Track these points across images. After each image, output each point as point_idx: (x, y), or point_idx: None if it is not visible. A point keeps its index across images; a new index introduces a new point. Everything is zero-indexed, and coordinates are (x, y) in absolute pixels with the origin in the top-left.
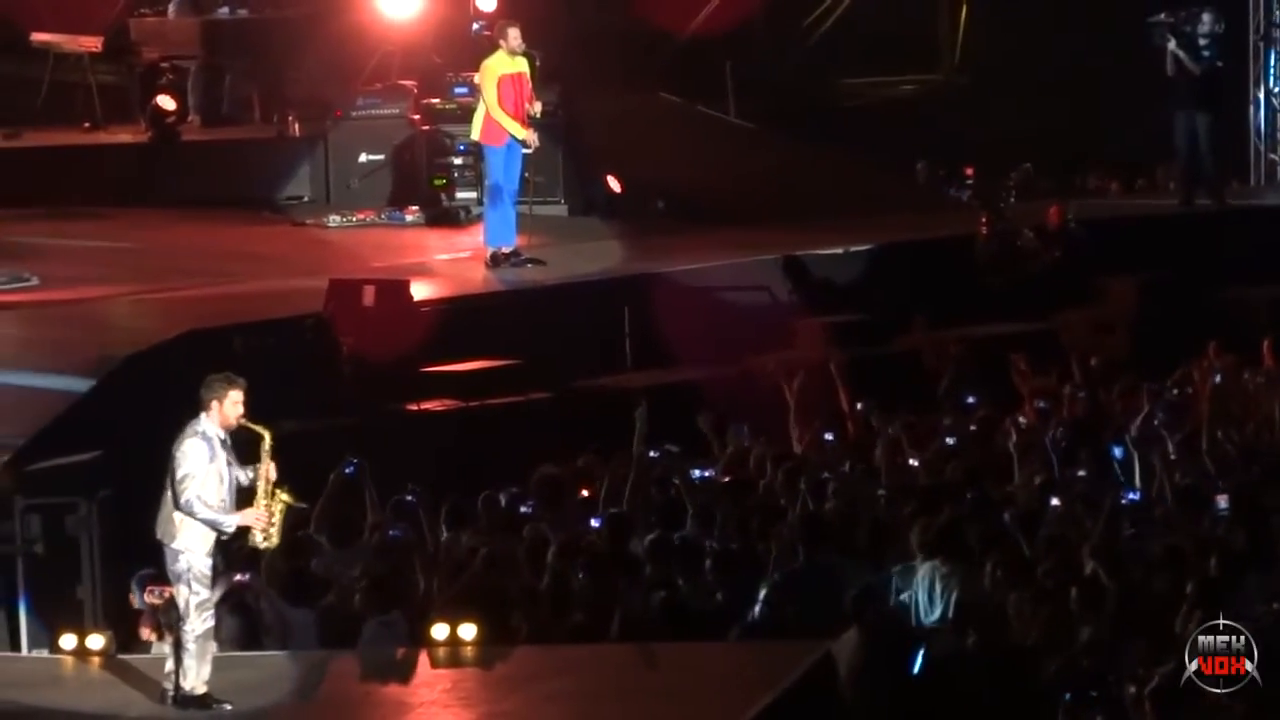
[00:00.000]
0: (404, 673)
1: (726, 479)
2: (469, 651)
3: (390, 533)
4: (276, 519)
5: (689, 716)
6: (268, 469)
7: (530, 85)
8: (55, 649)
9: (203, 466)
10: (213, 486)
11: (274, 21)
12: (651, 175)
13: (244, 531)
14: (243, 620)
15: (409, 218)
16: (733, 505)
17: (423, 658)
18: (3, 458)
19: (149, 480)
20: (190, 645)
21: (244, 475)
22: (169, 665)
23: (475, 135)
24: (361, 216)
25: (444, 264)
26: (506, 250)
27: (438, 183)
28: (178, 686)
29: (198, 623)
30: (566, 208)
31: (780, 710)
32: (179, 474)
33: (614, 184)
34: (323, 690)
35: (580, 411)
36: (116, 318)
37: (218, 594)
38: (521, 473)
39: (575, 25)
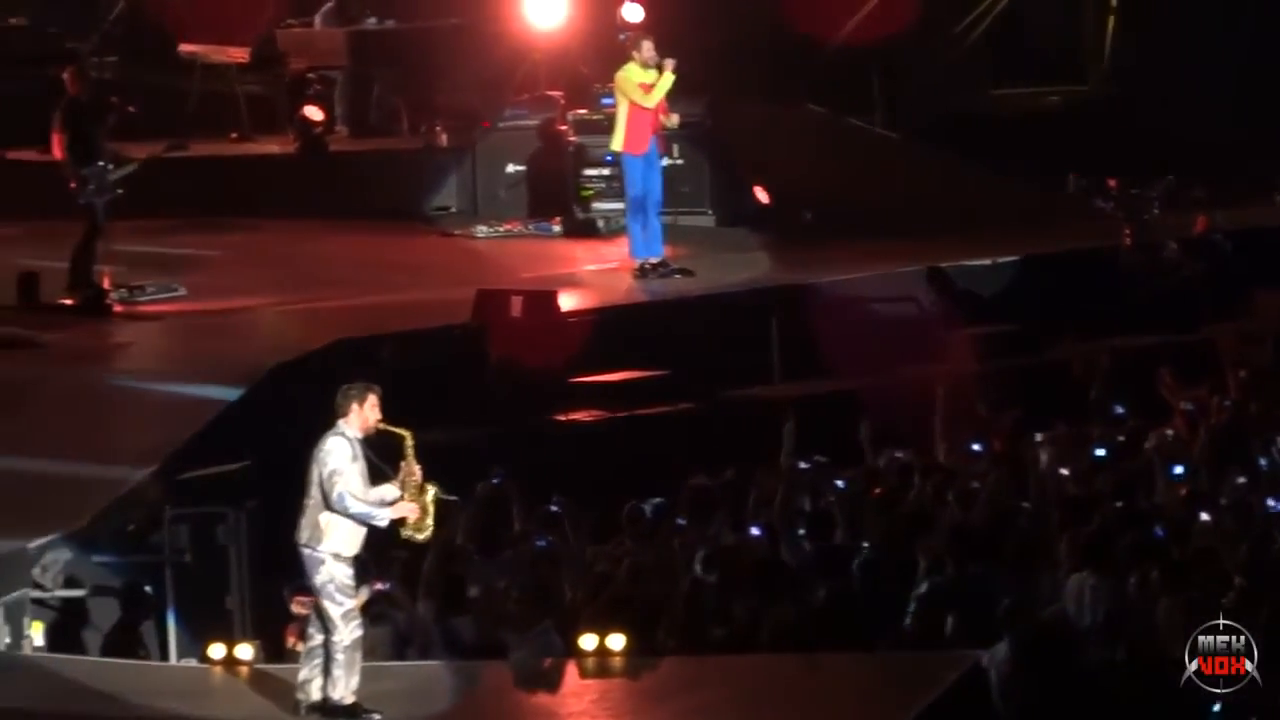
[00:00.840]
0: (552, 683)
1: (875, 490)
2: (617, 662)
3: (538, 543)
4: (430, 512)
5: None
6: (412, 467)
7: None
8: (204, 659)
9: (348, 464)
10: (359, 484)
11: (421, 31)
12: (799, 186)
13: (395, 529)
14: (385, 630)
15: (556, 228)
16: (882, 516)
17: (571, 668)
18: (151, 467)
19: (297, 490)
20: (339, 655)
21: (390, 489)
22: (302, 674)
23: (617, 146)
24: (509, 227)
25: (591, 274)
26: (654, 261)
27: (585, 193)
28: (325, 696)
29: (346, 633)
30: (714, 218)
31: None
32: (326, 471)
33: (762, 195)
34: (470, 701)
35: (727, 422)
36: (264, 328)
37: (359, 601)
38: (668, 483)
39: (723, 36)
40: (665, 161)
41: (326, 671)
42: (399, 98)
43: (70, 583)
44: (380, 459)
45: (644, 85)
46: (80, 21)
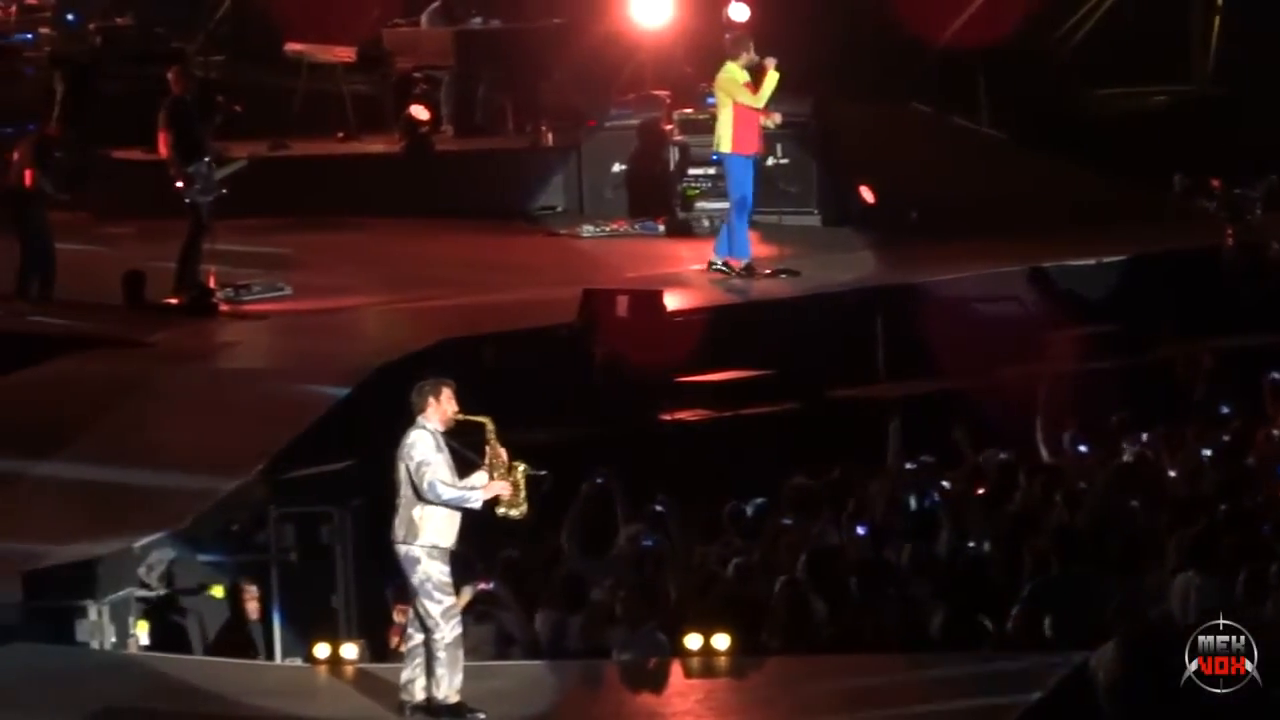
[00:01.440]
0: (657, 683)
1: (980, 490)
2: (722, 661)
3: (644, 543)
4: (522, 488)
5: None
6: (497, 450)
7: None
8: (309, 658)
9: (434, 454)
10: (448, 473)
11: (527, 31)
12: (905, 186)
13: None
14: (488, 629)
15: (662, 228)
16: (987, 516)
17: (676, 668)
18: (257, 467)
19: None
20: (441, 654)
21: (479, 476)
22: (405, 674)
23: (725, 147)
24: (615, 226)
25: (697, 274)
26: (744, 263)
27: (690, 193)
28: (430, 696)
29: (447, 630)
30: (820, 218)
31: None
32: (414, 464)
33: (867, 195)
34: (575, 700)
35: (832, 422)
36: (369, 327)
37: (463, 600)
38: (773, 483)
39: (830, 36)
40: (770, 161)
41: (430, 671)
42: (505, 97)
43: (176, 582)
44: (465, 449)
45: (749, 85)
46: (186, 20)
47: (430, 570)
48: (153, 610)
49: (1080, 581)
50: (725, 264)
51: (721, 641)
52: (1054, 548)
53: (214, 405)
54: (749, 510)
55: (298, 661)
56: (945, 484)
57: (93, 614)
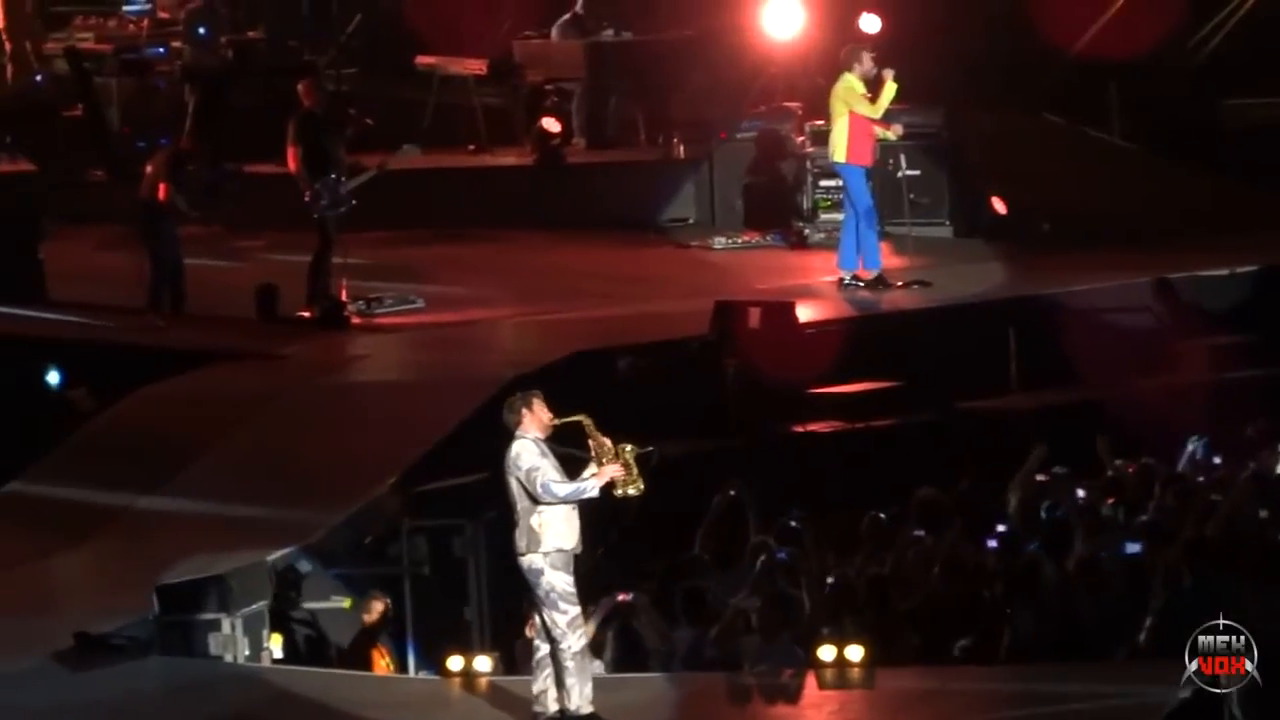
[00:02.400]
0: (791, 695)
1: (1110, 500)
2: (856, 673)
3: (779, 555)
4: (634, 468)
5: None
6: (600, 440)
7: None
8: (442, 671)
9: (539, 459)
10: (557, 473)
11: (658, 43)
12: (1036, 197)
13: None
14: (626, 642)
15: (793, 240)
16: (1121, 527)
17: (810, 680)
18: (390, 479)
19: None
20: (569, 664)
21: (589, 469)
22: (535, 686)
23: (840, 158)
24: (746, 238)
25: (829, 285)
26: (851, 274)
27: (823, 205)
28: (563, 708)
29: (574, 640)
30: (951, 229)
31: None
32: (523, 471)
33: (999, 206)
34: (708, 712)
35: (964, 433)
36: (502, 340)
37: (600, 614)
38: (904, 495)
39: (961, 46)
40: (900, 173)
41: (560, 682)
42: (636, 109)
43: (308, 595)
44: (567, 449)
45: (868, 96)
46: (318, 34)
47: (554, 580)
48: (286, 623)
49: (1213, 593)
50: (854, 277)
51: (855, 653)
52: (1186, 559)
53: (346, 418)
54: (886, 521)
55: (431, 674)
56: (1081, 493)
57: (226, 627)
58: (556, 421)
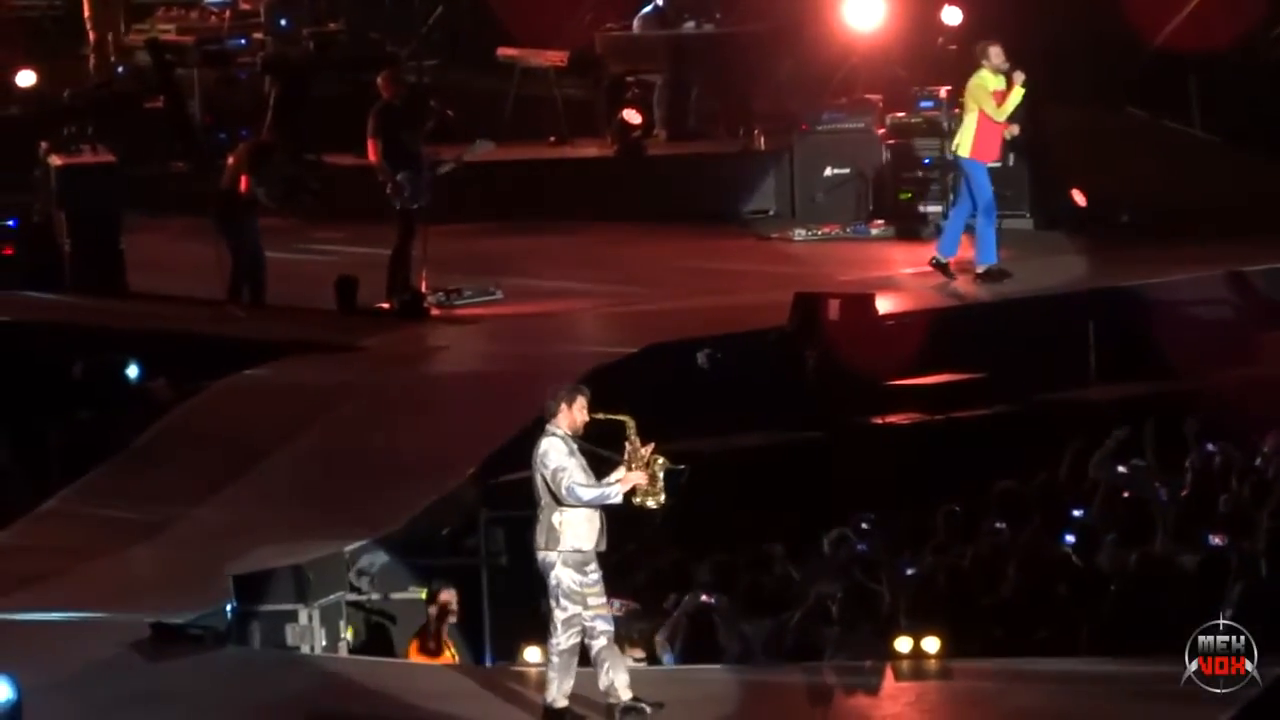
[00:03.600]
0: (868, 686)
1: (1185, 493)
2: (932, 665)
3: (858, 547)
4: (660, 479)
5: None
6: (637, 446)
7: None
8: (520, 661)
9: (566, 458)
10: (583, 475)
11: (739, 35)
12: (1117, 189)
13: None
14: (699, 640)
15: (874, 231)
16: (1200, 519)
17: (887, 671)
18: (469, 470)
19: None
20: (554, 658)
21: (617, 473)
22: (602, 682)
23: (965, 152)
24: (826, 230)
25: (909, 278)
26: (997, 266)
27: (904, 196)
28: (634, 695)
29: (563, 638)
30: (1032, 221)
31: None
32: (550, 470)
33: (1079, 198)
34: (783, 704)
35: (1045, 425)
36: (581, 331)
37: (681, 612)
38: (983, 486)
39: (1042, 38)
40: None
41: (601, 666)
42: (717, 101)
43: (386, 586)
44: (600, 449)
45: (997, 94)
46: (399, 25)
47: (562, 576)
48: (363, 614)
49: None
50: (945, 265)
51: (931, 645)
52: (1264, 549)
53: (425, 409)
54: (962, 514)
55: (507, 665)
56: (1160, 487)
57: (303, 618)
58: (600, 416)
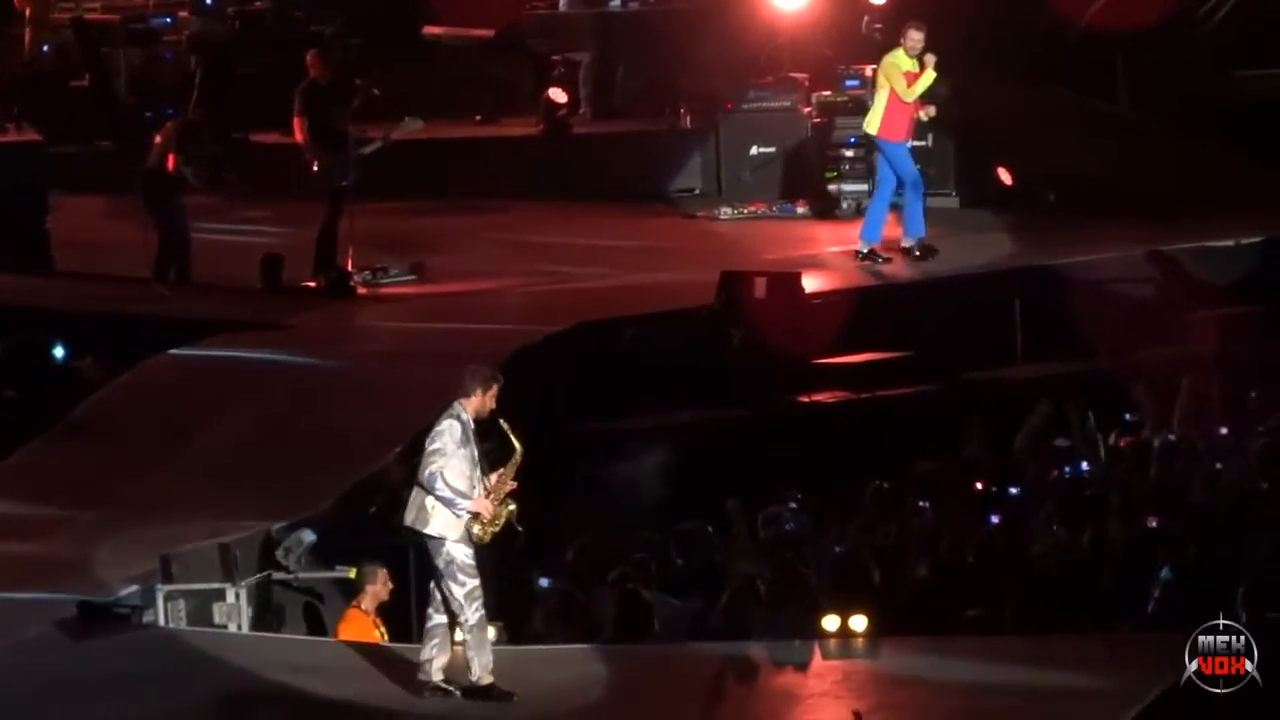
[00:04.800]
0: (796, 665)
1: (1117, 471)
2: (860, 643)
3: (786, 527)
4: (500, 521)
5: (1084, 708)
6: (508, 480)
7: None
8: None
9: (453, 446)
10: (458, 468)
11: (666, 13)
12: (1043, 168)
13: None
14: (631, 618)
15: (800, 210)
16: (1125, 497)
17: (815, 650)
18: (396, 449)
19: (541, 470)
20: (468, 636)
21: (488, 479)
22: (423, 654)
23: (873, 130)
24: (752, 209)
25: (835, 256)
26: (925, 241)
27: (830, 175)
28: (460, 677)
29: (470, 613)
30: (958, 200)
31: (1173, 703)
32: (429, 449)
33: (1005, 177)
34: (714, 683)
35: (971, 403)
36: (508, 309)
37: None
38: (908, 465)
39: (968, 18)
40: (908, 143)
41: (445, 651)
42: (643, 80)
43: (313, 565)
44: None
45: (908, 75)
46: (324, 3)
47: (454, 552)
48: (291, 593)
49: (1218, 563)
50: (873, 251)
51: (859, 623)
52: (1190, 528)
53: (352, 388)
54: (889, 492)
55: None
56: (1085, 465)
57: (230, 597)
58: (503, 423)
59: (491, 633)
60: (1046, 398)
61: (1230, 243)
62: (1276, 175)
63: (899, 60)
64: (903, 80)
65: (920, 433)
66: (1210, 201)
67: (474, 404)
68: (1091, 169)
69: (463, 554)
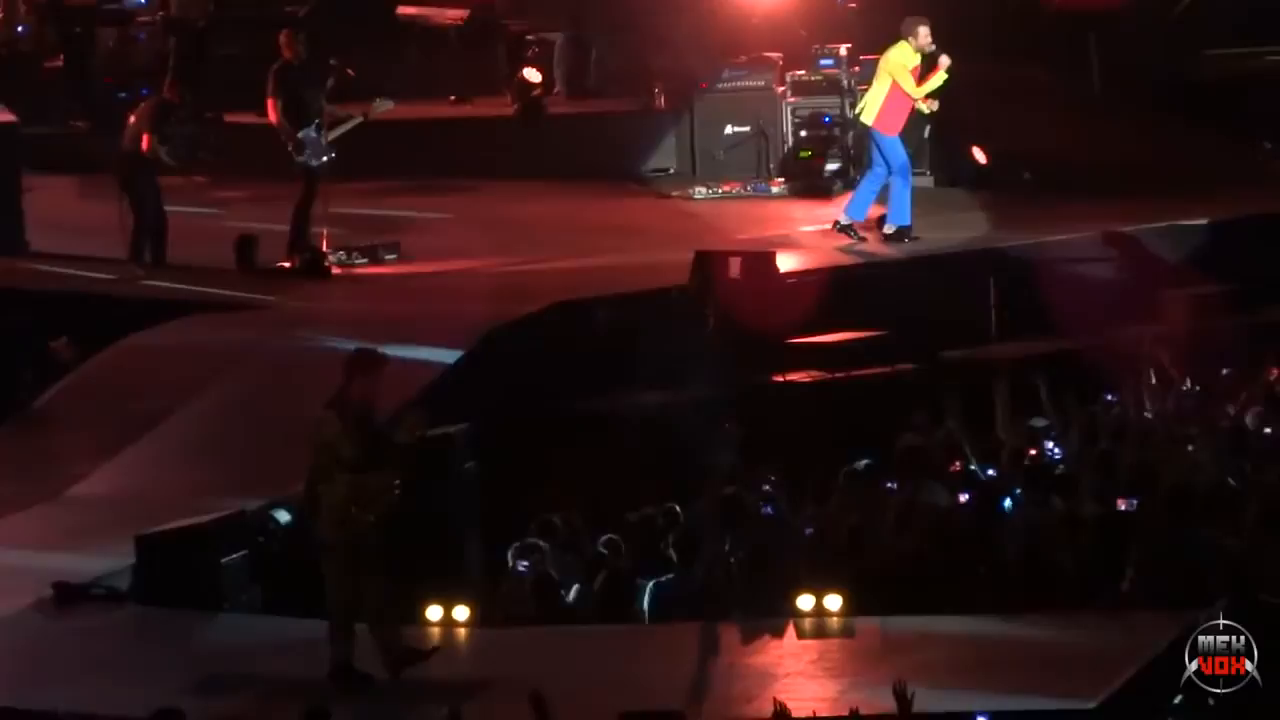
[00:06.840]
0: (770, 643)
1: (1091, 451)
2: (834, 622)
3: (762, 506)
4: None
5: (1055, 686)
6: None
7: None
8: (420, 620)
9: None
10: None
11: None
12: (1018, 147)
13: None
14: (612, 597)
15: (774, 189)
16: (1100, 475)
17: (789, 629)
18: None
19: (516, 452)
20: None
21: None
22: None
23: (868, 120)
24: (727, 188)
25: (809, 236)
26: (908, 229)
27: (804, 155)
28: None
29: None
30: (933, 179)
31: (1146, 681)
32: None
33: (980, 156)
34: (689, 660)
35: (947, 382)
36: (482, 290)
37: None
38: (884, 444)
39: None
40: None
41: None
42: (617, 60)
43: (290, 544)
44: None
45: (914, 71)
46: None
47: None
48: (267, 572)
49: (1192, 541)
50: (850, 226)
51: (834, 602)
52: (1166, 507)
53: (327, 368)
54: (863, 472)
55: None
56: (1056, 446)
57: (205, 577)
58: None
59: None
60: (1025, 380)
61: (1203, 221)
62: (1247, 155)
63: (905, 57)
64: (910, 78)
65: (896, 412)
66: (1186, 180)
67: (356, 388)
68: (1066, 148)
69: None
